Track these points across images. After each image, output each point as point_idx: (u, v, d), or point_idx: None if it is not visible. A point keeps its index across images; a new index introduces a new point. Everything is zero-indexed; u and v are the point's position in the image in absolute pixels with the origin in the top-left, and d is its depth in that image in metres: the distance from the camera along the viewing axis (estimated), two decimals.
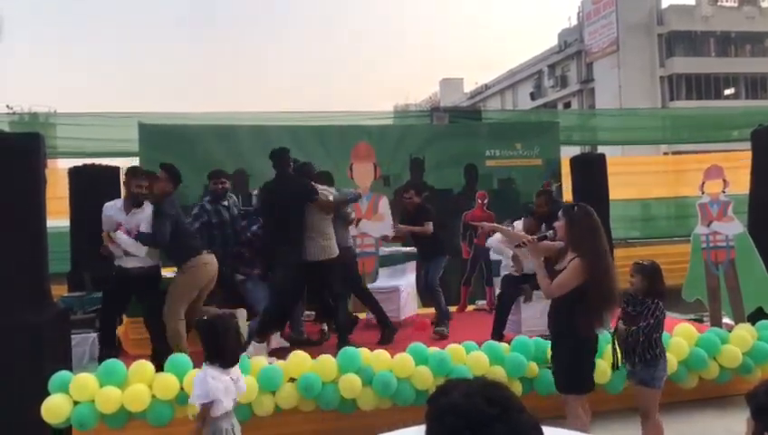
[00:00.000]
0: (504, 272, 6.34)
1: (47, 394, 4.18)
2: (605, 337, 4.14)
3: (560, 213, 3.74)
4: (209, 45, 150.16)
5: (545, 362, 4.89)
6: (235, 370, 3.26)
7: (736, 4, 36.81)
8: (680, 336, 5.13)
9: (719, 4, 36.55)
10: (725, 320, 5.87)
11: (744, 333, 5.26)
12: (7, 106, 20.86)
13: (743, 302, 5.76)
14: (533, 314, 5.76)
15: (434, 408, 1.19)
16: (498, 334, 5.57)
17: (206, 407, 3.10)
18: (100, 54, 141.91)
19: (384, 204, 7.75)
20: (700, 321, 6.60)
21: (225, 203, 6.24)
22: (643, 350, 3.76)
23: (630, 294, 3.89)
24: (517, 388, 4.74)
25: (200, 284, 5.19)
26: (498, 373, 4.68)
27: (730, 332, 5.37)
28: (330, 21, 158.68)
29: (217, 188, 6.22)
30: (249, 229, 6.15)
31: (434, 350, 4.77)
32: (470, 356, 4.79)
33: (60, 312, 5.15)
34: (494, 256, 6.85)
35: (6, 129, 8.60)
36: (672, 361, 4.83)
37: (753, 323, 5.49)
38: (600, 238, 3.61)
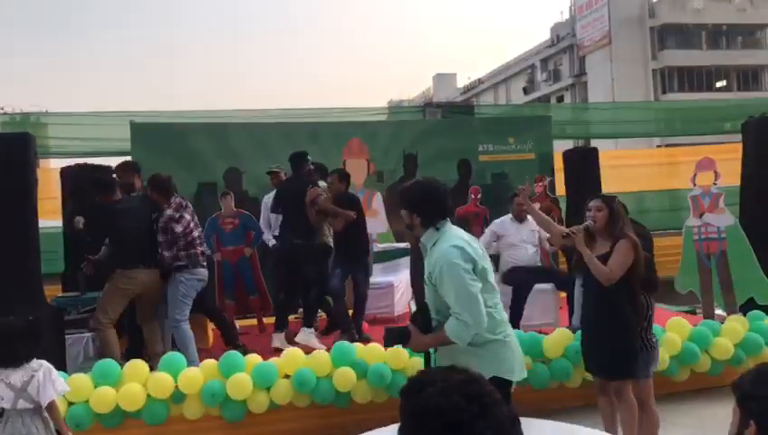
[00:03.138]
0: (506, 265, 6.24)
1: None
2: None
3: (598, 203, 3.80)
4: (203, 43, 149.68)
5: (540, 356, 4.90)
6: (20, 372, 3.14)
7: None
8: (673, 331, 5.13)
9: None
10: (718, 311, 5.91)
11: (736, 325, 5.28)
12: None
13: (735, 293, 5.79)
14: (532, 308, 5.77)
15: (410, 405, 1.16)
16: (514, 325, 5.55)
17: None
18: (93, 53, 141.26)
19: (378, 200, 7.77)
20: (693, 313, 6.63)
21: None
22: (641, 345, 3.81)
23: None
24: None
25: (124, 296, 5.10)
26: None
27: (722, 323, 5.40)
28: (322, 18, 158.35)
29: None
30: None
31: None
32: None
33: (53, 312, 5.15)
34: (489, 251, 6.86)
35: None
36: (663, 356, 4.85)
37: (745, 314, 5.52)
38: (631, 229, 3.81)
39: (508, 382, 2.82)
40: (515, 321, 5.58)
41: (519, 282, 5.78)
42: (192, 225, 5.26)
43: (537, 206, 5.50)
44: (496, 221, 6.22)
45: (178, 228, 5.13)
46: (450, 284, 2.72)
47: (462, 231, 2.94)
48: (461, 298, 2.70)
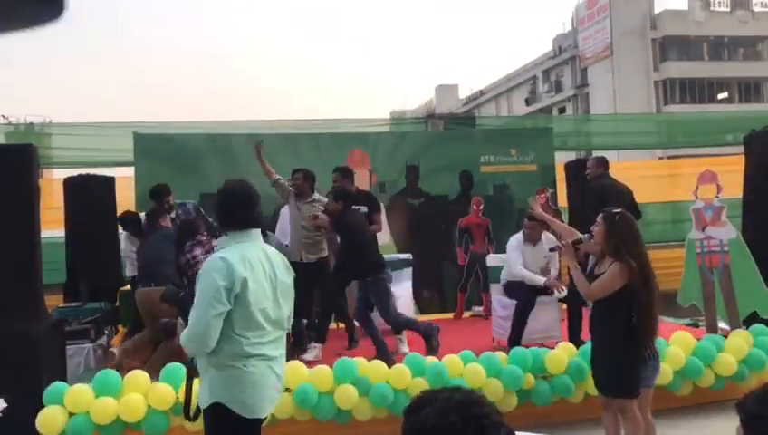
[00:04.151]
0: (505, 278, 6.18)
1: (42, 406, 4.17)
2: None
3: (599, 218, 3.76)
4: (204, 54, 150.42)
5: (543, 372, 4.88)
6: None
7: (729, 9, 37.04)
8: (677, 345, 5.13)
9: (712, 9, 36.77)
10: (721, 325, 5.88)
11: (740, 341, 5.25)
12: (2, 116, 20.90)
13: (738, 306, 5.77)
14: (535, 322, 5.72)
15: (409, 424, 1.16)
16: (517, 342, 5.45)
17: None
18: (96, 63, 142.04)
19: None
20: (695, 326, 6.60)
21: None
22: None
23: None
24: (512, 400, 4.72)
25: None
26: (495, 386, 4.66)
27: (725, 337, 5.38)
28: (324, 27, 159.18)
29: None
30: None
31: (432, 361, 4.75)
32: (467, 368, 4.75)
33: (54, 323, 5.14)
34: (490, 262, 6.82)
35: (2, 138, 8.60)
36: (667, 371, 4.83)
37: (748, 328, 5.50)
38: (641, 245, 3.65)
39: (237, 415, 2.63)
40: (517, 339, 5.52)
41: (524, 301, 5.64)
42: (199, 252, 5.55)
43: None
44: (516, 238, 5.89)
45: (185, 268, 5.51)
46: (198, 292, 2.60)
47: (254, 251, 2.70)
48: (196, 310, 2.58)
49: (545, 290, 5.78)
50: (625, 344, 3.61)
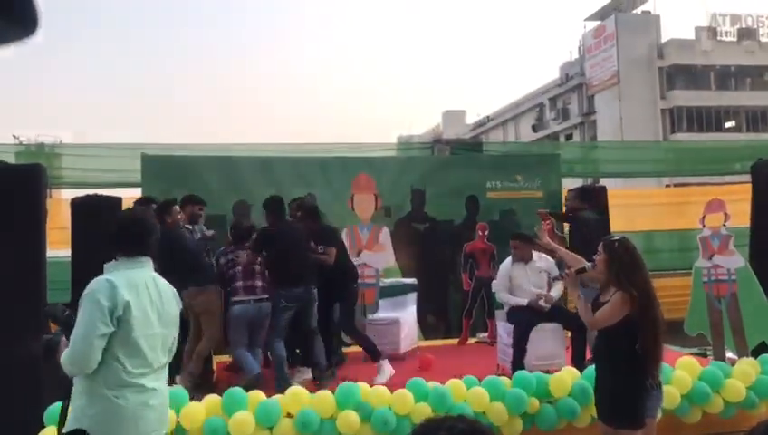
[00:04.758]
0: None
1: (43, 426, 4.14)
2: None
3: (600, 247, 3.75)
4: (214, 77, 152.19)
5: (547, 395, 4.83)
6: None
7: (735, 39, 37.28)
8: (683, 370, 5.07)
9: (718, 38, 37.02)
10: (729, 354, 5.81)
11: (747, 368, 5.19)
12: (14, 136, 21.15)
13: (746, 336, 5.71)
14: (539, 348, 5.67)
15: None
16: (519, 365, 5.39)
17: None
18: (107, 83, 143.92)
19: (385, 235, 7.76)
20: (703, 355, 6.52)
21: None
22: None
23: None
24: (518, 424, 4.66)
25: None
26: (499, 410, 4.61)
27: (733, 366, 5.31)
28: (335, 52, 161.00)
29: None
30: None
31: (434, 385, 4.70)
32: (470, 392, 4.70)
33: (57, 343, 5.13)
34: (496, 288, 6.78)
35: (13, 159, 8.66)
36: (675, 394, 4.78)
37: (757, 357, 5.43)
38: (643, 272, 3.62)
39: None
40: (519, 361, 5.48)
41: (524, 323, 5.61)
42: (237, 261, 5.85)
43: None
44: (505, 263, 6.03)
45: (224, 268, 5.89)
46: (81, 311, 2.59)
47: (142, 277, 2.73)
48: (78, 328, 2.56)
49: (549, 315, 5.75)
50: (629, 374, 3.56)
